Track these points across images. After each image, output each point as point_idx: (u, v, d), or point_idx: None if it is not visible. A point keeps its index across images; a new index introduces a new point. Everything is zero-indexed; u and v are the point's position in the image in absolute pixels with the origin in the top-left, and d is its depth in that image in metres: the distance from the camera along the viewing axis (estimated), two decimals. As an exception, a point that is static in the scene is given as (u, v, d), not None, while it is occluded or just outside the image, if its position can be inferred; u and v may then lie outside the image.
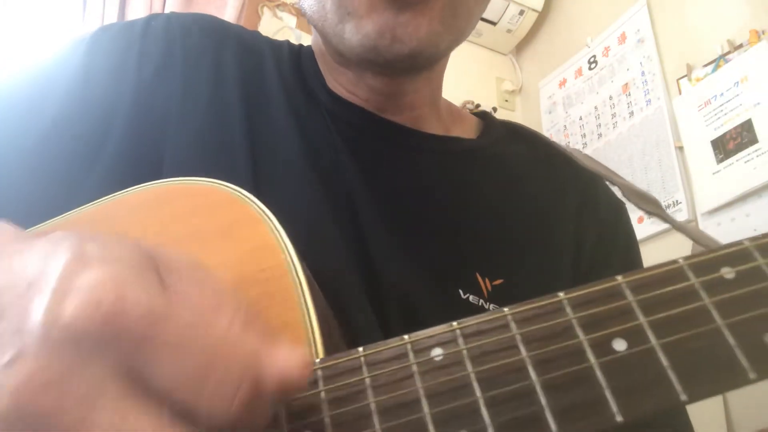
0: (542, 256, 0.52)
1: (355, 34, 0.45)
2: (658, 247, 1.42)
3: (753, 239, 0.25)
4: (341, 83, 0.54)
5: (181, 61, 0.52)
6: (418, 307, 0.44)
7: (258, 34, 0.61)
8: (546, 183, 0.58)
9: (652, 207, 0.53)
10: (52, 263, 0.22)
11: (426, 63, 0.48)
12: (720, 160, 1.39)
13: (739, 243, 0.25)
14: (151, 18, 0.55)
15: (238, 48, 0.55)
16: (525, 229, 0.53)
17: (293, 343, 0.30)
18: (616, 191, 0.59)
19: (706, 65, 1.51)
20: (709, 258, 0.25)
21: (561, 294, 0.26)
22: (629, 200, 0.54)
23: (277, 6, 1.80)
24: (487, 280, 0.47)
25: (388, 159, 0.52)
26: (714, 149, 1.42)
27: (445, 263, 0.48)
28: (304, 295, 0.32)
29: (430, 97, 0.57)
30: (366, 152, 0.51)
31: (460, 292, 0.46)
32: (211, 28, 0.56)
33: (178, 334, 0.21)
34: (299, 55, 0.58)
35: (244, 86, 0.52)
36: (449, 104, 0.63)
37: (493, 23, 2.08)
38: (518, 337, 0.25)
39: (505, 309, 0.26)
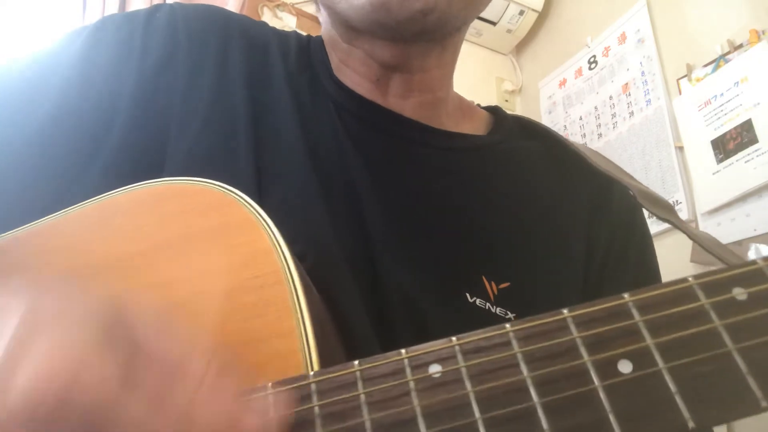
0: (552, 258, 0.50)
1: None
2: (658, 246, 1.41)
3: (766, 258, 0.24)
4: (351, 66, 0.52)
5: (184, 53, 0.50)
6: (422, 310, 0.43)
7: (264, 24, 0.59)
8: (558, 182, 0.56)
9: (665, 213, 0.51)
10: (4, 321, 0.21)
11: (438, 24, 0.46)
12: (720, 160, 1.39)
13: (752, 262, 0.24)
14: (155, 8, 0.54)
15: (243, 39, 0.54)
16: (534, 231, 0.51)
17: (283, 368, 0.29)
18: None
19: (706, 65, 1.50)
20: (721, 278, 0.24)
21: (565, 311, 0.25)
22: (641, 204, 0.53)
23: (277, 6, 1.78)
24: (493, 284, 0.46)
25: (394, 154, 0.50)
26: (714, 149, 1.41)
27: (450, 265, 0.46)
28: (299, 304, 0.32)
29: (440, 82, 0.55)
30: (372, 147, 0.50)
31: (467, 295, 0.45)
32: (216, 18, 0.55)
33: (133, 422, 0.20)
34: (308, 45, 0.56)
35: (248, 78, 0.51)
36: (460, 98, 0.61)
37: (493, 23, 2.07)
38: (520, 356, 0.25)
39: (507, 325, 0.26)
